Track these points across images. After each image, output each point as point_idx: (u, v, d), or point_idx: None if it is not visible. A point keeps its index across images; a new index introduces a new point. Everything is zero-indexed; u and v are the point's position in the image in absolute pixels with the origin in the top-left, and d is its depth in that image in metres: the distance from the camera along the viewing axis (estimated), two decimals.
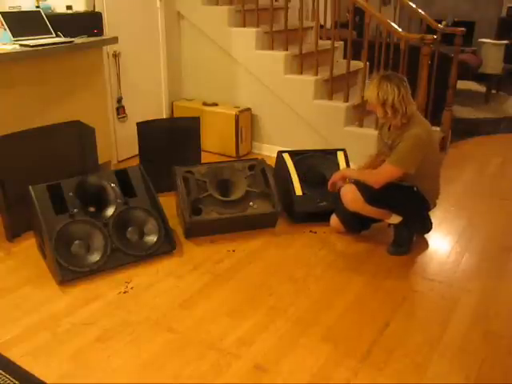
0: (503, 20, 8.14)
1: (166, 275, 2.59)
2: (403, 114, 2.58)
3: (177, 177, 2.93)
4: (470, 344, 2.11)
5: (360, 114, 3.84)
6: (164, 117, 4.47)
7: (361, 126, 3.85)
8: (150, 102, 4.34)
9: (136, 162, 3.66)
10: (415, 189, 2.69)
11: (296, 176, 3.15)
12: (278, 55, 4.06)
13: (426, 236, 3.01)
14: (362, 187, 2.69)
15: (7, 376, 1.89)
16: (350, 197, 2.75)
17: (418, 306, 2.37)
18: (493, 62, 6.48)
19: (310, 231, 3.05)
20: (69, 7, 3.50)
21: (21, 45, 2.98)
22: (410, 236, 2.84)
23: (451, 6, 8.58)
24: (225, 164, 3.10)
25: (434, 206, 2.84)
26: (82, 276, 2.52)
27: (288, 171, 3.16)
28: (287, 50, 4.08)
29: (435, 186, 2.81)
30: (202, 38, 4.38)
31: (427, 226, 3.01)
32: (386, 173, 2.63)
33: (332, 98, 3.95)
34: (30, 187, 2.56)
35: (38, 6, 3.36)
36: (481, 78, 6.58)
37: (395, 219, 2.82)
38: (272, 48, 4.14)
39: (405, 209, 2.78)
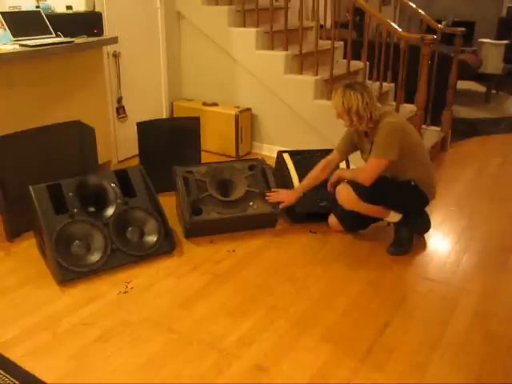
0: (503, 20, 8.14)
1: (166, 275, 2.59)
2: (368, 120, 2.64)
3: (177, 177, 2.93)
4: (469, 344, 2.11)
5: None
6: (164, 117, 4.47)
7: None
8: (149, 102, 4.34)
9: (136, 162, 3.66)
10: (412, 183, 2.71)
11: (296, 176, 3.16)
12: (278, 55, 4.06)
13: (426, 236, 3.01)
14: (356, 186, 2.71)
15: (7, 376, 1.89)
16: (345, 195, 2.77)
17: (418, 306, 2.37)
18: (493, 62, 6.49)
19: (310, 231, 3.05)
20: (69, 7, 3.50)
21: (21, 45, 2.98)
22: (410, 236, 2.84)
23: (451, 5, 8.59)
24: (225, 164, 3.10)
25: (433, 197, 2.83)
26: (82, 276, 2.52)
27: (288, 171, 3.17)
28: (287, 50, 4.08)
29: (429, 173, 2.80)
30: (202, 38, 4.38)
31: (426, 225, 3.01)
32: (372, 168, 2.65)
33: (332, 98, 3.94)
34: (30, 187, 2.56)
35: (38, 6, 3.36)
36: (481, 78, 6.58)
37: (394, 217, 2.83)
38: (272, 48, 4.14)
39: (402, 203, 2.79)
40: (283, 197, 2.97)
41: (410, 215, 2.83)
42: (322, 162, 2.98)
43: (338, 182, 2.92)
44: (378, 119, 2.66)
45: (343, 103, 2.63)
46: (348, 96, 2.61)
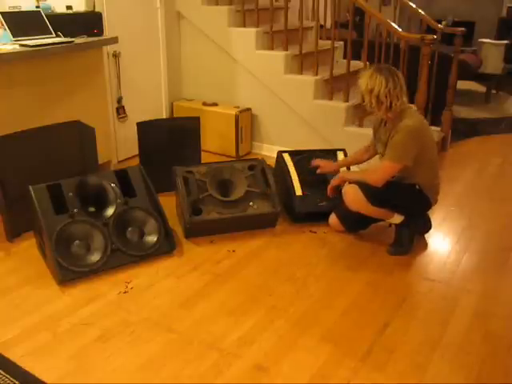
0: (503, 20, 8.15)
1: (166, 275, 2.59)
2: (387, 108, 2.62)
3: (177, 177, 2.93)
4: (470, 344, 2.11)
5: (360, 114, 3.84)
6: (164, 117, 4.47)
7: (361, 126, 3.85)
8: (149, 101, 4.34)
9: (136, 162, 3.66)
10: (417, 187, 2.70)
11: (296, 176, 3.15)
12: (278, 55, 4.06)
13: (426, 236, 3.01)
14: (365, 188, 2.69)
15: (7, 376, 1.89)
16: (352, 197, 2.75)
17: (418, 306, 2.37)
18: (493, 62, 6.48)
19: (310, 231, 3.05)
20: (69, 7, 3.50)
21: (21, 45, 2.98)
22: (411, 236, 2.83)
23: (451, 6, 8.59)
24: (225, 164, 3.10)
25: (435, 202, 2.84)
26: (82, 276, 2.52)
27: (288, 171, 3.16)
28: (287, 50, 4.09)
29: (435, 180, 2.80)
30: (202, 38, 4.38)
31: (427, 225, 3.01)
32: (385, 170, 2.64)
33: (332, 98, 3.95)
34: (30, 187, 2.56)
35: (38, 6, 3.36)
36: (481, 78, 6.58)
37: (397, 219, 2.82)
38: (272, 48, 4.14)
39: (407, 208, 2.79)
40: (324, 164, 3.12)
41: (411, 217, 2.83)
42: (364, 147, 3.08)
43: (337, 186, 2.93)
44: (399, 113, 2.64)
45: (367, 84, 2.63)
46: (373, 78, 2.61)
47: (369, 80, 2.62)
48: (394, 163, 2.62)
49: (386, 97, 2.59)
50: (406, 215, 2.81)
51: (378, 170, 2.68)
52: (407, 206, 2.78)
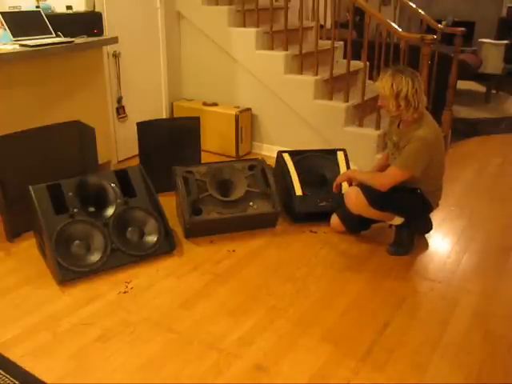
0: (503, 20, 8.15)
1: (166, 275, 2.59)
2: (415, 108, 2.55)
3: (177, 177, 2.92)
4: (470, 344, 2.11)
5: (360, 113, 3.84)
6: (164, 117, 4.47)
7: (361, 125, 3.85)
8: (149, 102, 4.34)
9: (136, 162, 3.66)
10: (419, 191, 2.69)
11: (296, 176, 3.15)
12: (278, 55, 4.06)
13: (427, 236, 3.01)
14: (367, 190, 2.68)
15: (7, 376, 1.89)
16: (354, 199, 2.74)
17: (418, 306, 2.37)
18: (493, 62, 6.48)
19: (310, 231, 3.05)
20: (69, 7, 3.50)
21: (21, 45, 2.98)
22: (411, 237, 2.83)
23: (451, 6, 8.59)
24: (225, 164, 3.10)
25: (437, 206, 2.83)
26: (82, 276, 2.52)
27: (288, 171, 3.16)
28: (287, 50, 4.08)
29: (439, 187, 2.80)
30: (202, 38, 4.38)
31: (428, 227, 3.01)
32: (392, 176, 2.63)
33: (332, 98, 3.95)
34: (30, 187, 2.56)
35: (38, 6, 3.36)
36: (481, 78, 6.58)
37: (397, 220, 2.82)
38: (272, 48, 4.14)
39: (408, 212, 2.78)
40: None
41: (412, 219, 2.82)
42: (383, 155, 3.03)
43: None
44: (421, 115, 2.58)
45: (392, 86, 2.51)
46: (398, 79, 2.50)
47: (394, 82, 2.51)
48: (402, 171, 2.59)
49: (413, 97, 2.51)
50: (406, 217, 2.81)
51: (386, 175, 2.66)
52: (408, 209, 2.77)
